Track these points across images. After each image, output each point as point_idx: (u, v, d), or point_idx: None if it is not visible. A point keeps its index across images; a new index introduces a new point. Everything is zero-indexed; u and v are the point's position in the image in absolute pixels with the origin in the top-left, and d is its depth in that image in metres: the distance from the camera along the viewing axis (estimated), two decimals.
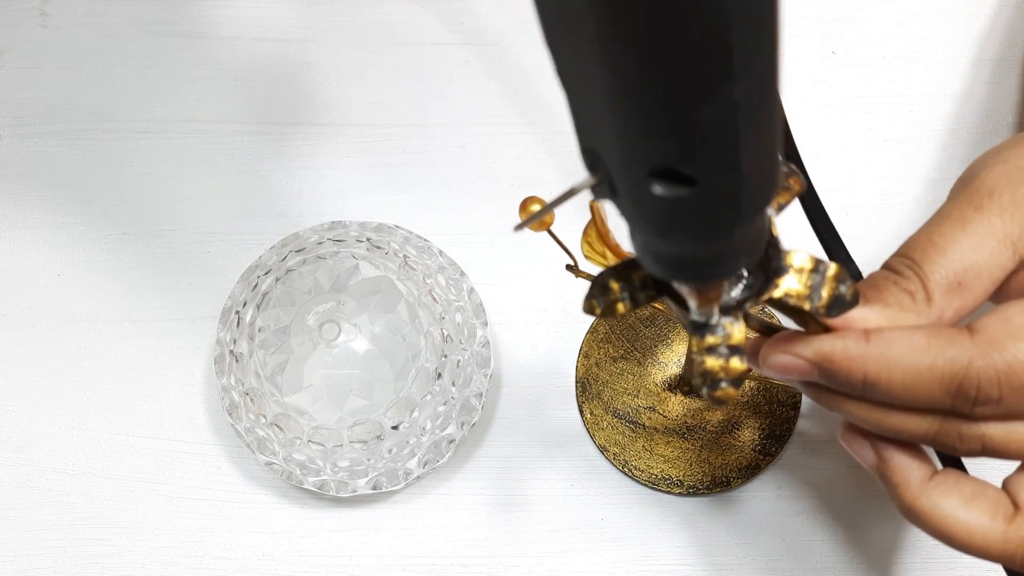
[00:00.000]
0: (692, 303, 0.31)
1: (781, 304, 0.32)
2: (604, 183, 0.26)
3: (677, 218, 0.26)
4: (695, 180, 0.24)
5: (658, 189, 0.24)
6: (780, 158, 0.26)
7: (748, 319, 0.33)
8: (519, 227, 0.31)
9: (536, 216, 0.31)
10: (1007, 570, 0.38)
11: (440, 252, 0.49)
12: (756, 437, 0.49)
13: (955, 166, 0.53)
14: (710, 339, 0.31)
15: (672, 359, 0.50)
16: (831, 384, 0.34)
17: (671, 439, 0.49)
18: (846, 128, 0.53)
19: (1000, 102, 0.53)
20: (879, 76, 0.54)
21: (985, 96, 0.54)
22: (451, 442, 0.47)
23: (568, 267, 0.40)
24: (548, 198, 0.52)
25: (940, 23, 0.54)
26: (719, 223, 0.26)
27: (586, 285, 0.41)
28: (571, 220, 0.42)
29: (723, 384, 0.32)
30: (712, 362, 0.31)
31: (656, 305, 0.36)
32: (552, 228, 0.37)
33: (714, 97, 0.22)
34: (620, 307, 0.32)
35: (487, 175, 0.53)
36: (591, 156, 0.26)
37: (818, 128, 0.53)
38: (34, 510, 0.50)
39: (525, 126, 0.53)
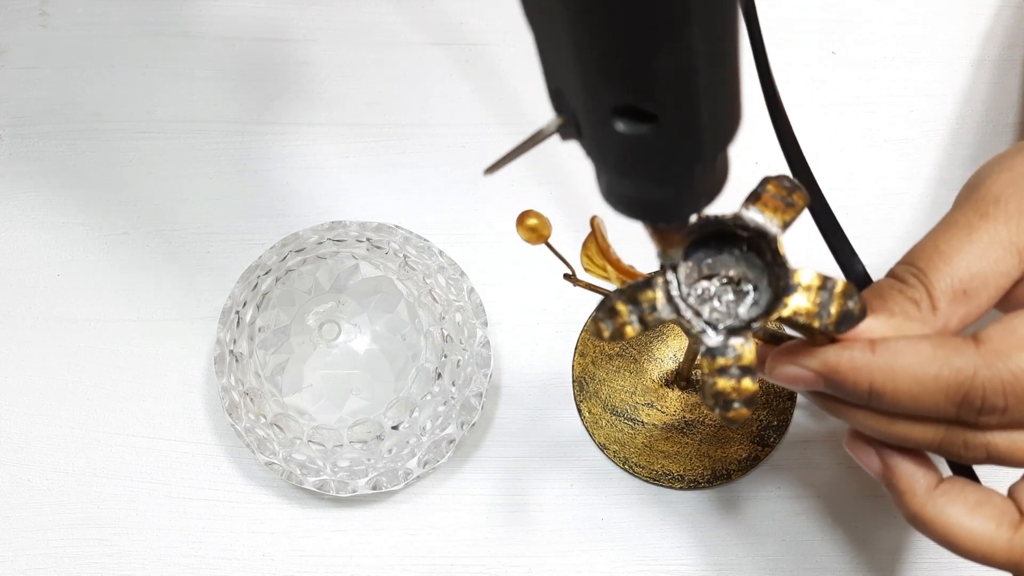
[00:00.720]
0: (655, 246, 0.31)
1: (789, 322, 0.32)
2: (570, 123, 0.27)
3: (639, 156, 0.27)
4: (656, 117, 0.25)
5: (620, 126, 0.25)
6: (741, 98, 0.27)
7: (754, 331, 0.33)
8: (489, 170, 0.31)
9: (507, 159, 0.31)
10: None
11: (440, 252, 0.49)
12: (754, 429, 0.49)
13: (955, 166, 0.53)
14: (721, 360, 0.32)
15: (668, 354, 0.50)
16: (837, 394, 0.34)
17: (670, 434, 0.49)
18: (846, 128, 0.53)
19: (1000, 102, 0.53)
20: (879, 76, 0.54)
21: (985, 96, 0.54)
22: (451, 442, 0.47)
23: (566, 276, 0.40)
24: (547, 200, 0.52)
25: (940, 23, 0.54)
26: (679, 161, 0.27)
27: (588, 291, 0.41)
28: (569, 235, 0.42)
29: (736, 404, 0.32)
30: (724, 383, 0.32)
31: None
32: (550, 240, 0.37)
33: (673, 39, 0.23)
34: (629, 331, 0.32)
35: (487, 175, 0.53)
36: (557, 97, 0.27)
37: (818, 128, 0.53)
38: (34, 510, 0.50)
39: (525, 126, 0.53)
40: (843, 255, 0.43)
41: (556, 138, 0.55)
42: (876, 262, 0.42)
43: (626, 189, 0.29)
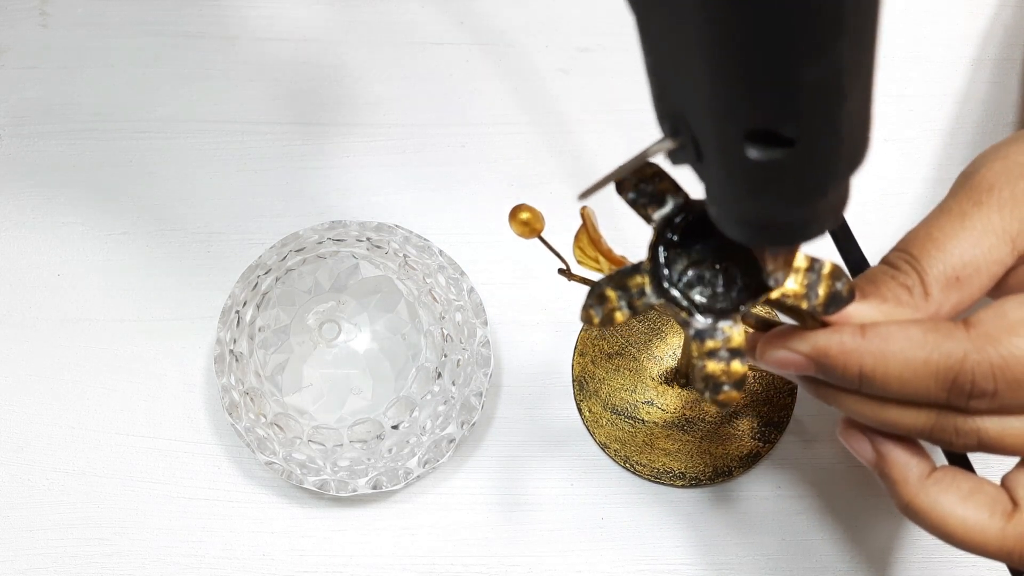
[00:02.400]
0: (768, 266, 0.30)
1: (779, 304, 0.32)
2: (688, 147, 0.25)
3: (770, 180, 0.25)
4: (793, 141, 0.23)
5: (753, 152, 0.24)
6: (872, 116, 0.26)
7: (745, 315, 0.33)
8: (583, 195, 0.30)
9: (603, 183, 0.30)
10: (1011, 569, 0.38)
11: (440, 252, 0.49)
12: (755, 425, 0.49)
13: (955, 166, 0.53)
14: (710, 343, 0.32)
15: (667, 352, 0.50)
16: (828, 378, 0.34)
17: (671, 432, 0.49)
18: None
19: (1000, 101, 0.54)
20: (879, 76, 0.54)
21: (985, 95, 0.54)
22: (451, 441, 0.47)
23: (560, 271, 0.40)
24: (547, 198, 0.52)
25: (940, 23, 0.54)
26: (814, 184, 0.25)
27: (583, 286, 0.41)
28: (562, 225, 0.41)
29: (725, 387, 0.32)
30: (713, 366, 0.32)
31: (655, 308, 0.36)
32: (543, 234, 0.37)
33: (823, 56, 0.21)
34: (618, 316, 0.32)
35: (487, 175, 0.53)
36: (673, 120, 0.25)
37: None
38: (34, 510, 0.50)
39: (525, 126, 0.53)
40: (842, 240, 0.43)
41: (557, 134, 0.54)
42: (875, 261, 0.42)
43: (750, 212, 0.27)
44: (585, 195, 0.30)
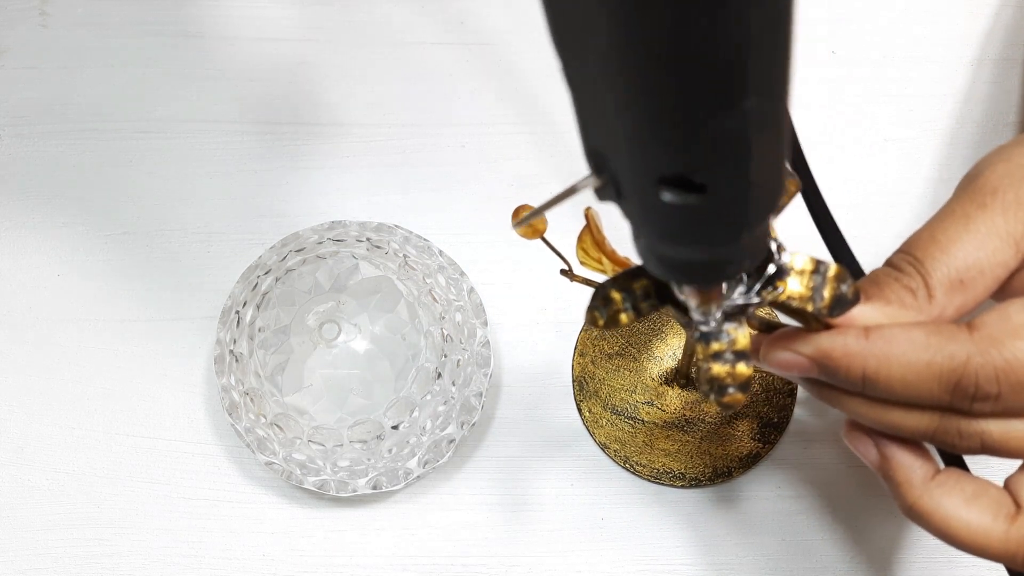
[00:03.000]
0: (692, 304, 0.31)
1: (783, 306, 0.32)
2: (609, 186, 0.26)
3: (684, 224, 0.26)
4: (705, 188, 0.24)
5: (667, 196, 0.24)
6: (786, 162, 0.26)
7: (749, 317, 0.33)
8: (518, 224, 0.31)
9: (535, 213, 0.31)
10: (1009, 570, 0.38)
11: (440, 252, 0.49)
12: (755, 426, 0.49)
13: (956, 166, 0.53)
14: (715, 346, 0.31)
15: (667, 352, 0.50)
16: (831, 380, 0.34)
17: (671, 433, 0.49)
18: (846, 128, 0.53)
19: (1001, 102, 0.53)
20: (879, 76, 0.54)
21: (986, 96, 0.54)
22: (451, 442, 0.47)
23: (563, 272, 0.40)
24: (546, 199, 0.52)
25: (940, 23, 0.54)
26: (727, 229, 0.26)
27: (584, 286, 0.41)
28: (566, 225, 0.42)
29: (730, 390, 0.32)
30: (718, 368, 0.31)
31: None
32: (546, 235, 0.37)
33: (730, 110, 0.22)
34: (623, 318, 0.32)
35: (487, 175, 0.53)
36: (597, 158, 0.26)
37: (818, 128, 0.53)
38: (34, 510, 0.50)
39: (525, 126, 0.53)
40: (838, 252, 0.43)
41: (557, 134, 0.55)
42: (876, 262, 0.42)
43: (668, 253, 0.28)
44: (520, 224, 0.31)
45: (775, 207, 0.27)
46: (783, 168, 0.26)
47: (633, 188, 0.25)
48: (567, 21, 0.23)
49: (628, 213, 0.27)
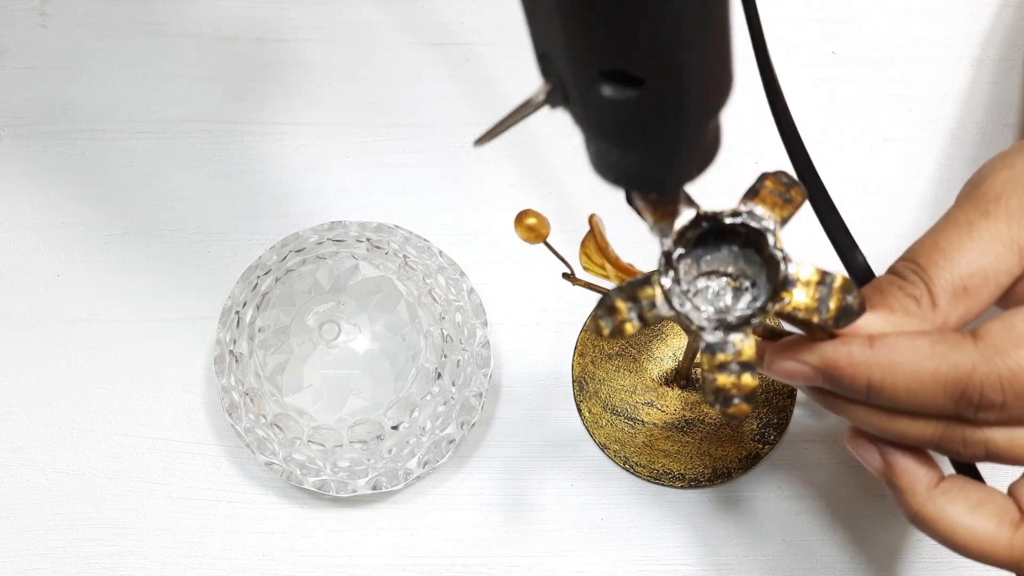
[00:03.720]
0: (648, 218, 0.31)
1: (789, 316, 0.32)
2: (556, 89, 0.27)
3: (626, 121, 0.26)
4: (642, 82, 0.25)
5: (607, 91, 0.25)
6: (732, 66, 0.27)
7: (754, 326, 0.33)
8: (479, 142, 0.31)
9: (496, 130, 0.31)
10: None
11: (440, 252, 0.49)
12: (755, 427, 0.49)
13: (956, 166, 0.53)
14: (721, 357, 0.31)
15: (667, 353, 0.50)
16: (836, 389, 0.34)
17: (671, 433, 0.49)
18: (846, 128, 0.53)
19: (1001, 102, 0.53)
20: (879, 76, 0.54)
21: (986, 96, 0.54)
22: (451, 442, 0.47)
23: (565, 275, 0.40)
24: (546, 200, 0.52)
25: (940, 23, 0.54)
26: (666, 127, 0.27)
27: (586, 290, 0.41)
28: (561, 226, 0.42)
29: (736, 400, 0.32)
30: (724, 379, 0.31)
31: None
32: (549, 240, 0.37)
33: (659, 1, 0.23)
34: (628, 327, 0.32)
35: (487, 175, 0.53)
36: (544, 62, 0.27)
37: (818, 128, 0.53)
38: (34, 510, 0.50)
39: (525, 126, 0.53)
40: (844, 247, 0.43)
41: (557, 135, 0.55)
42: (876, 262, 0.42)
43: (614, 157, 0.29)
44: (480, 142, 0.32)
45: (720, 106, 0.27)
46: (727, 67, 0.27)
47: (576, 87, 0.26)
48: None
49: (575, 115, 0.28)
